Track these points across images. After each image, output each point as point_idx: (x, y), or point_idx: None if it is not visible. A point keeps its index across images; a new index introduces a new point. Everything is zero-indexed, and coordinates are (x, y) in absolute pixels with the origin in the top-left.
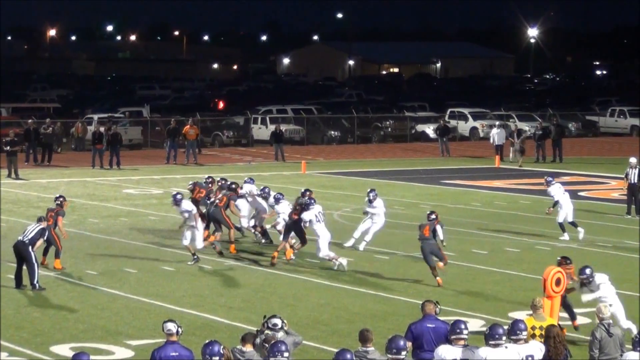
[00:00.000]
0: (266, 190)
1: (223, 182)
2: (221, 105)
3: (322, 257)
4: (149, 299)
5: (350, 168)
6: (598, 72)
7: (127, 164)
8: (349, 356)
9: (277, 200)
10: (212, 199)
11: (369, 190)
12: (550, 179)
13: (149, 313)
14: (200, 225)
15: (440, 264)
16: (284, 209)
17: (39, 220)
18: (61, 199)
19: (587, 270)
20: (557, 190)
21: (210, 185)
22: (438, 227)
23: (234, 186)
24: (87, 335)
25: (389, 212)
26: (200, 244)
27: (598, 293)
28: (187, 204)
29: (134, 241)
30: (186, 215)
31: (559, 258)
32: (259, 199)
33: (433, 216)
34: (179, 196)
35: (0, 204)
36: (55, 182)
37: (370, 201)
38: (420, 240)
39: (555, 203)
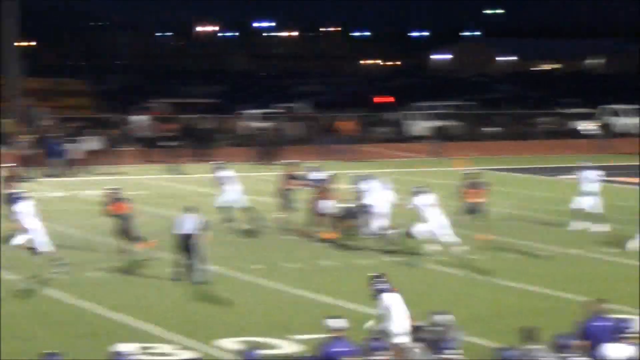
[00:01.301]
0: None
1: None
2: (390, 99)
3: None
4: (312, 294)
5: (505, 165)
6: None
7: (285, 160)
8: (508, 354)
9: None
10: None
11: None
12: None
13: (315, 307)
14: None
15: None
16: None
17: (188, 210)
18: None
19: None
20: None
21: None
22: None
23: None
24: (252, 329)
25: (558, 210)
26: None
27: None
28: None
29: (291, 235)
30: None
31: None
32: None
33: None
34: None
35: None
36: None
37: None
38: None
39: None
